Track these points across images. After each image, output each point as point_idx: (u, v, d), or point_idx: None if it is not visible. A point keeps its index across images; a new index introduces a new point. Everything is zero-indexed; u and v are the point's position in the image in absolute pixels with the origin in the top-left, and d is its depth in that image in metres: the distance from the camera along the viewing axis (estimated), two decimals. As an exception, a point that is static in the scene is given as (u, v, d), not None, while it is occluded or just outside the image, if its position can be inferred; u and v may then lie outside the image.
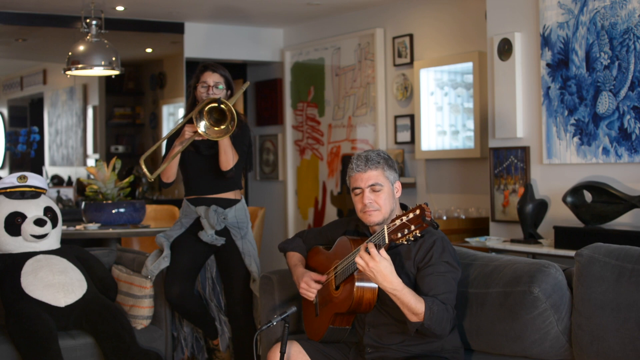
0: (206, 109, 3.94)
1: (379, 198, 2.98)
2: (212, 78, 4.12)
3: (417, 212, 2.63)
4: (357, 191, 3.01)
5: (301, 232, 3.45)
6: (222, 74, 4.15)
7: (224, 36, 7.60)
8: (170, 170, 4.13)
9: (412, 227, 2.64)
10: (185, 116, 4.14)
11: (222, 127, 3.93)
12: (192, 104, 4.18)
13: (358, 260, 2.74)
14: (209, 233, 4.08)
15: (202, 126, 3.95)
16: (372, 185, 2.98)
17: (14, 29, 7.00)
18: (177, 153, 4.06)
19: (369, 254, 2.73)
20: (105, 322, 3.85)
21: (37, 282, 3.92)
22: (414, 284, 2.89)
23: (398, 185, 3.06)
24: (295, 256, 3.34)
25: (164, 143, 4.29)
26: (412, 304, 2.73)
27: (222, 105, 3.91)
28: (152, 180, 4.31)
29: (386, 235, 2.71)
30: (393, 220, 2.71)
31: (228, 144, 4.00)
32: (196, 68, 4.24)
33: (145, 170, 4.17)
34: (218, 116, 3.96)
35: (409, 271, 2.92)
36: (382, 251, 2.73)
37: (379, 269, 2.71)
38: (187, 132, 4.04)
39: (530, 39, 4.82)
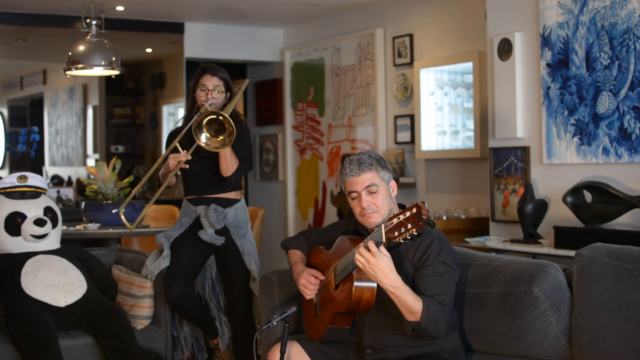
0: (204, 121, 3.93)
1: (377, 199, 2.97)
2: (211, 82, 4.09)
3: (414, 210, 2.63)
4: (354, 195, 3.00)
5: (304, 231, 3.45)
6: (222, 77, 4.12)
7: (224, 36, 7.60)
8: (167, 181, 4.12)
9: (409, 226, 2.63)
10: (184, 125, 4.15)
11: (221, 137, 3.92)
12: (192, 105, 4.17)
13: (357, 257, 2.72)
14: (208, 232, 4.08)
15: (203, 138, 3.93)
16: (369, 186, 2.96)
17: (14, 29, 7.00)
18: (166, 183, 4.06)
19: (369, 251, 2.72)
20: (105, 322, 3.85)
21: (37, 282, 3.91)
22: (411, 285, 2.88)
23: (393, 184, 3.05)
24: (297, 254, 3.34)
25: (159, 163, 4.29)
26: (410, 303, 2.73)
27: (220, 117, 3.90)
28: (132, 230, 4.37)
29: (383, 233, 2.70)
30: (390, 219, 2.70)
31: (229, 150, 3.99)
32: (196, 69, 4.22)
33: (124, 220, 4.27)
34: (218, 126, 3.93)
35: (407, 272, 2.91)
36: (382, 248, 2.72)
37: (379, 266, 2.70)
38: (172, 163, 4.02)
39: (530, 39, 4.82)
